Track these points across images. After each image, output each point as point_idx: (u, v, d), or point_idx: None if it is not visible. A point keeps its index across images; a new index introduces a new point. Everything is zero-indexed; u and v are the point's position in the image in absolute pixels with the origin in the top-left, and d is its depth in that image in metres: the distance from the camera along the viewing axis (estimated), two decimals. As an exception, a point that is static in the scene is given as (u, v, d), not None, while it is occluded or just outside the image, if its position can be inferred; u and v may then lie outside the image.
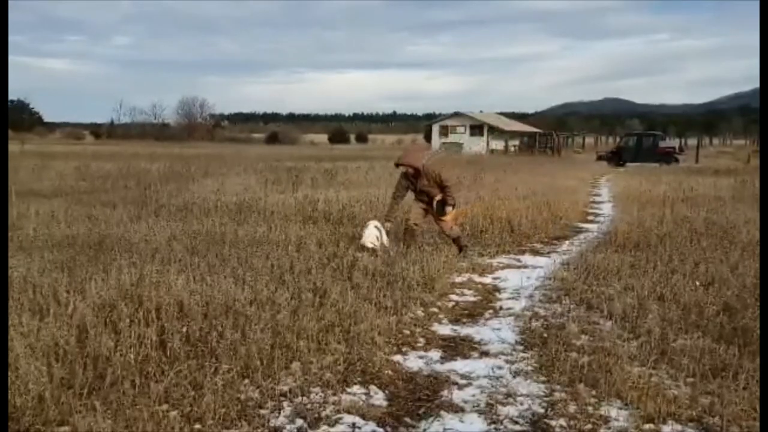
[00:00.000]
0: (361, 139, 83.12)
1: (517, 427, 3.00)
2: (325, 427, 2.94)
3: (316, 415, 3.03)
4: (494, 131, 49.59)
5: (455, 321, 4.69)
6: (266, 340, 3.67)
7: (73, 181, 14.63)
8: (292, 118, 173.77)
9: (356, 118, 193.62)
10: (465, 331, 4.47)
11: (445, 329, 4.48)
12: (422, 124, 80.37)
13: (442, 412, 3.14)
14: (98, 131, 75.54)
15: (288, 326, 3.92)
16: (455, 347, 4.11)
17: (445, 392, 3.38)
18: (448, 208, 6.86)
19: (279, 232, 7.32)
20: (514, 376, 3.60)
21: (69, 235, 7.10)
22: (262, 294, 4.49)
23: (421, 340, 4.21)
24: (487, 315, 4.87)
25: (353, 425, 2.97)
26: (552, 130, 50.89)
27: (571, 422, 3.02)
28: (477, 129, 50.02)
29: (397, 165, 7.10)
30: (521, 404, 3.23)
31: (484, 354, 4.00)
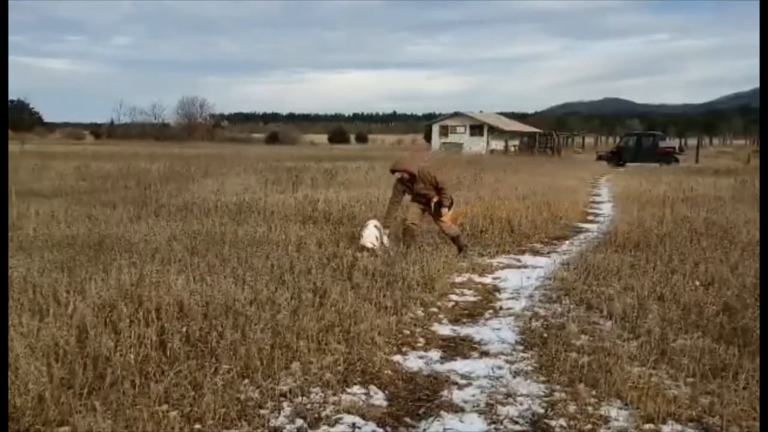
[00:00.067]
0: (361, 139, 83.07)
1: (517, 427, 3.00)
2: (325, 427, 2.94)
3: (316, 415, 3.03)
4: (494, 131, 49.58)
5: (455, 321, 4.70)
6: (266, 340, 3.67)
7: (73, 181, 14.63)
8: (292, 118, 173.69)
9: (356, 118, 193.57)
10: (465, 331, 4.47)
11: (445, 329, 4.48)
12: (422, 124, 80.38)
13: (442, 412, 3.14)
14: (98, 131, 75.49)
15: (288, 326, 3.92)
16: (455, 347, 4.11)
17: (445, 392, 3.39)
18: (444, 210, 6.93)
19: (279, 232, 7.32)
20: (514, 376, 3.60)
21: (69, 235, 7.10)
22: (262, 294, 4.49)
23: (421, 340, 4.21)
24: (487, 315, 4.87)
25: (353, 425, 2.97)
26: (552, 130, 50.86)
27: (571, 422, 3.02)
28: (477, 129, 50.01)
29: (393, 171, 7.18)
30: (521, 404, 3.23)
31: (484, 354, 4.00)
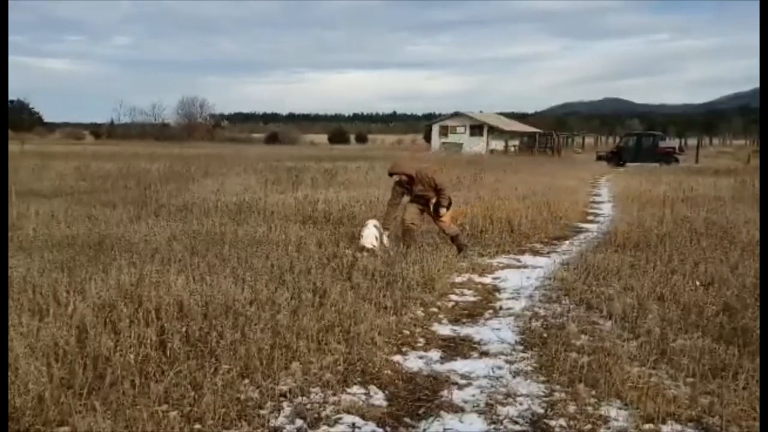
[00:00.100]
0: (361, 139, 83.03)
1: (517, 427, 3.00)
2: (324, 427, 2.94)
3: (316, 415, 3.03)
4: (494, 131, 49.57)
5: (455, 321, 4.70)
6: (266, 340, 3.67)
7: (73, 181, 14.62)
8: (292, 118, 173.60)
9: (356, 118, 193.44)
10: (465, 331, 4.47)
11: (444, 329, 4.48)
12: (422, 124, 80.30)
13: (442, 412, 3.14)
14: (98, 131, 75.47)
15: (288, 326, 3.92)
16: (455, 347, 4.11)
17: (444, 392, 3.39)
18: (442, 210, 6.95)
19: (279, 232, 7.32)
20: (513, 376, 3.60)
21: (69, 235, 7.10)
22: (262, 294, 4.49)
23: (421, 340, 4.21)
24: (486, 315, 4.87)
25: (353, 425, 2.97)
26: (552, 130, 50.85)
27: (571, 422, 3.02)
28: (477, 129, 50.01)
29: (391, 174, 7.20)
30: (521, 404, 3.24)
31: (484, 354, 4.00)
